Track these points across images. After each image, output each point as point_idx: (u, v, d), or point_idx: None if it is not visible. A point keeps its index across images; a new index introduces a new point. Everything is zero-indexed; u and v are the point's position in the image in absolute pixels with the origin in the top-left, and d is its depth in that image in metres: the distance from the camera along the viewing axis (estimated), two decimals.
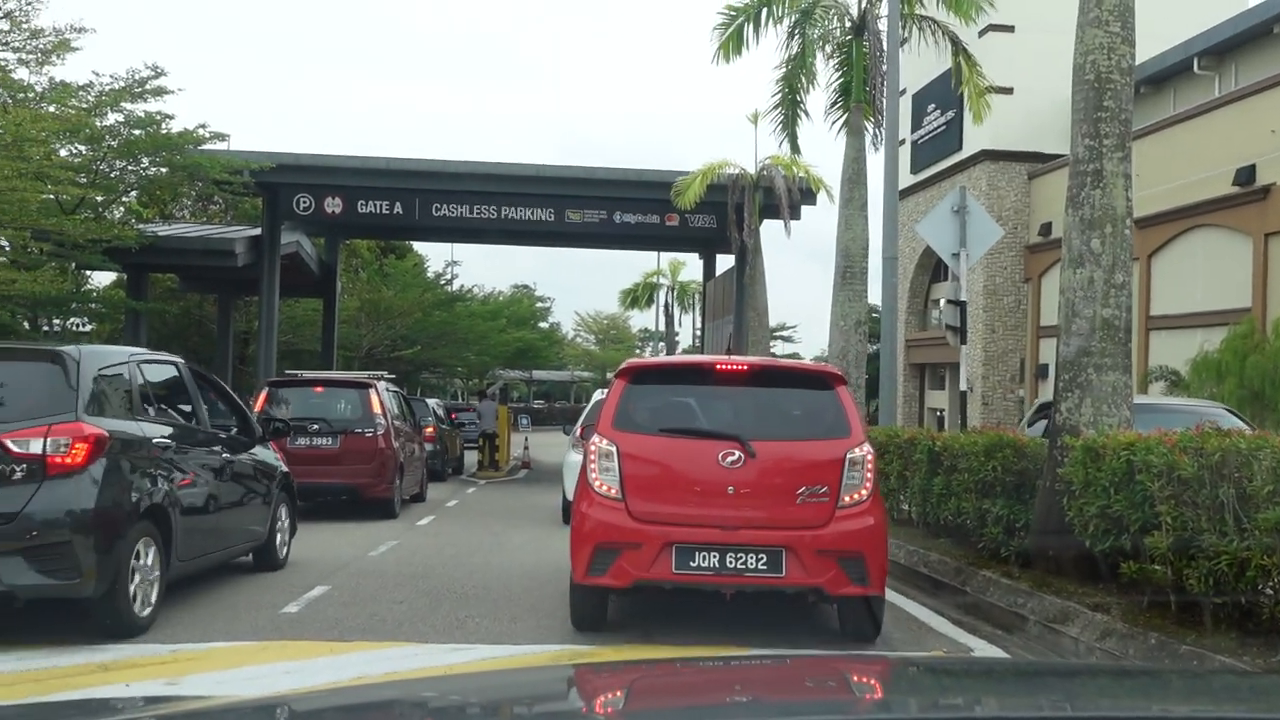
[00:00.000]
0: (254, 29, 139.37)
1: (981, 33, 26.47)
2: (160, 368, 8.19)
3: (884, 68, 14.45)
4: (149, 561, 7.03)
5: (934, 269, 34.69)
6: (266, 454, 9.52)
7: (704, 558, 6.57)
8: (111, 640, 6.71)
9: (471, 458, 26.75)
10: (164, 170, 20.76)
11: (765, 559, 6.56)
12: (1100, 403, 7.83)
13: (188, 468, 7.75)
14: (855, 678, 2.52)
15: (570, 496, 11.78)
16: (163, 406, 7.94)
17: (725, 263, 28.45)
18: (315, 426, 14.13)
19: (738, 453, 6.69)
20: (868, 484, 6.83)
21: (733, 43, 15.65)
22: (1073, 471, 7.26)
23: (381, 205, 23.05)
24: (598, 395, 15.81)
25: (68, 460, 6.47)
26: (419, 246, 49.40)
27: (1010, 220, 30.15)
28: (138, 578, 6.89)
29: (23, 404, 6.68)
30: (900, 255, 37.13)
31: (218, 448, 8.48)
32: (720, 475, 6.68)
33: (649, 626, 7.52)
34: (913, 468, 10.57)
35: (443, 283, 46.85)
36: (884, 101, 14.72)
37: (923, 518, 10.48)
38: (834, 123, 16.74)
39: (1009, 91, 29.00)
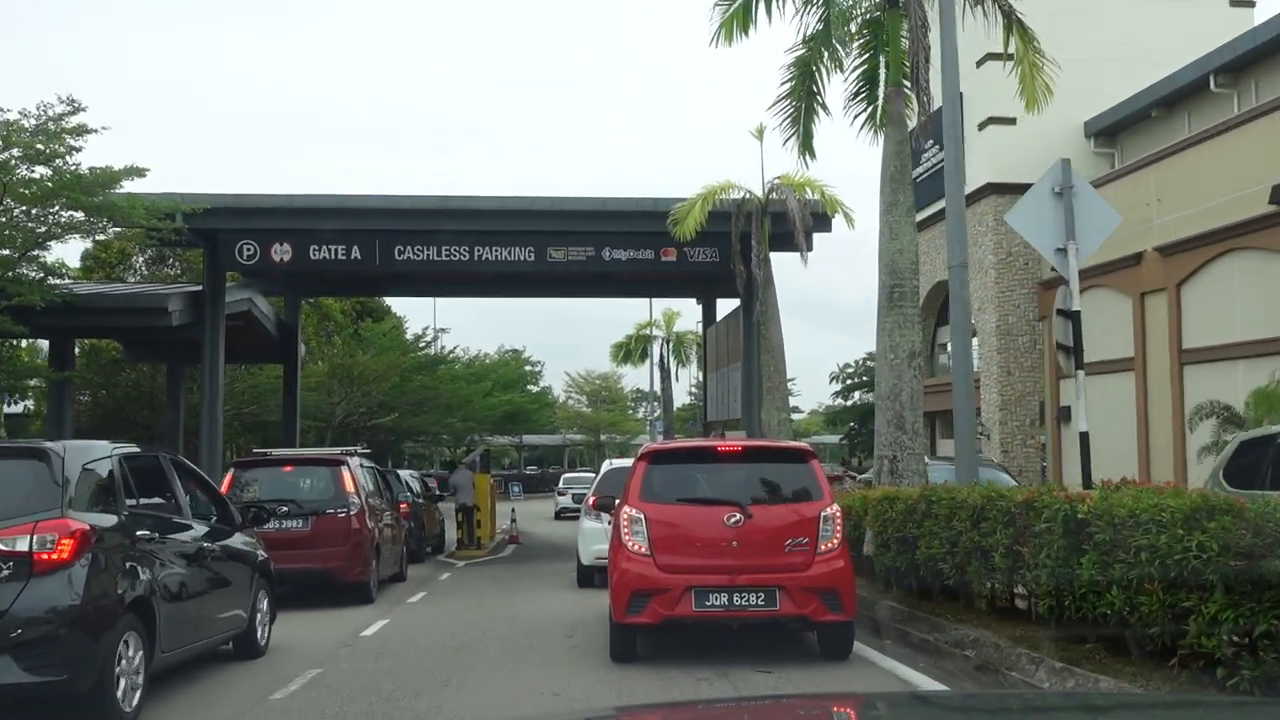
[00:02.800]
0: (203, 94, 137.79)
1: (980, 62, 24.75)
2: (142, 460, 8.40)
3: (928, 38, 11.67)
4: (134, 655, 7.13)
5: (939, 311, 32.61)
6: (246, 540, 9.71)
7: (716, 597, 8.30)
8: None
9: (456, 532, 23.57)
10: (79, 216, 17.81)
11: (763, 596, 8.30)
12: None
13: (170, 559, 7.94)
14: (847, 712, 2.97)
15: (585, 561, 14.43)
16: (145, 499, 8.11)
17: (726, 307, 25.67)
18: (285, 508, 13.36)
19: (738, 515, 8.47)
20: (838, 535, 8.66)
21: (738, 20, 12.89)
22: None
23: (337, 250, 20.11)
24: (606, 466, 16.61)
25: (54, 556, 6.60)
26: (398, 308, 46.83)
27: (1021, 256, 28.23)
28: (124, 672, 6.98)
29: (8, 502, 6.83)
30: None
31: (199, 537, 8.65)
32: (726, 533, 8.43)
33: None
34: (1032, 541, 7.54)
35: (423, 345, 44.01)
36: (927, 80, 11.95)
37: (1057, 614, 7.39)
38: (855, 118, 14.03)
39: (1012, 122, 27.23)
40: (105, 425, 28.71)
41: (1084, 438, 8.51)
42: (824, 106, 13.97)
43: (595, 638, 10.19)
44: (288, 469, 14.84)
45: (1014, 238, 28.72)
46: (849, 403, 54.40)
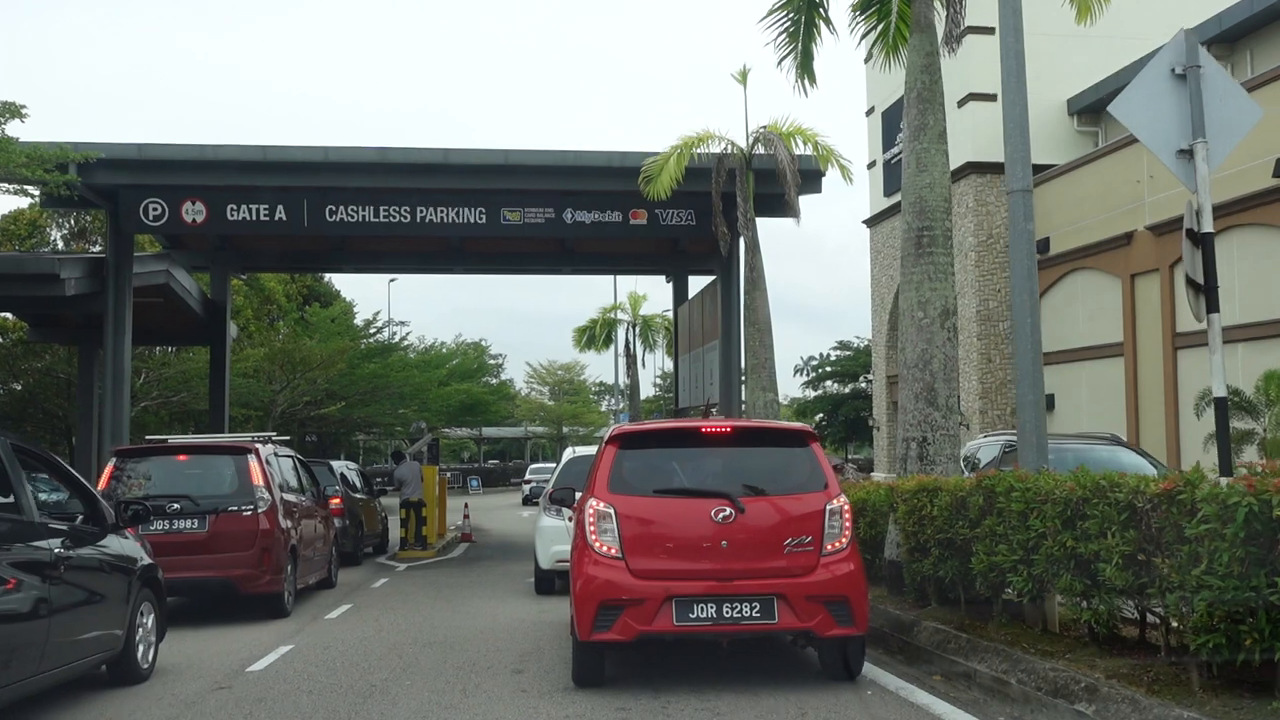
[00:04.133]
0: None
1: (960, 35, 23.43)
2: None
3: None
4: None
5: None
6: (123, 544, 8.20)
7: (702, 609, 6.93)
8: None
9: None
10: None
11: (758, 607, 6.95)
12: None
13: (2, 571, 6.44)
14: None
15: (544, 565, 12.71)
16: None
17: (699, 285, 23.39)
18: (177, 505, 11.50)
19: (728, 509, 7.10)
20: (847, 532, 7.24)
21: None
22: None
23: (259, 210, 17.53)
24: (568, 455, 14.55)
25: None
26: (348, 292, 44.26)
27: (1002, 238, 26.61)
28: None
29: None
30: (876, 284, 33.07)
31: (51, 542, 7.13)
32: (713, 531, 7.06)
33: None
34: (1179, 550, 5.26)
35: (373, 331, 41.32)
36: None
37: (1224, 654, 5.08)
38: (860, 37, 11.76)
39: (993, 98, 25.56)
40: (13, 415, 25.95)
41: (1220, 406, 6.22)
42: (827, 20, 11.64)
43: (554, 668, 7.89)
44: (182, 458, 12.51)
45: (994, 219, 27.02)
46: (817, 392, 52.74)
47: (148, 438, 14.92)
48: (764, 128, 17.08)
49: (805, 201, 17.91)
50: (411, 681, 7.55)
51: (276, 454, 13.12)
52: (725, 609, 6.85)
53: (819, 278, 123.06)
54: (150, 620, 8.31)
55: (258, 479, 11.89)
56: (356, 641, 9.52)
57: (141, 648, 8.09)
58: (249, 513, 11.63)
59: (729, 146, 17.31)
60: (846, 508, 7.29)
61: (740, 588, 6.88)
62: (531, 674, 7.75)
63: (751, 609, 6.86)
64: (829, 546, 7.09)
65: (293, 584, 12.26)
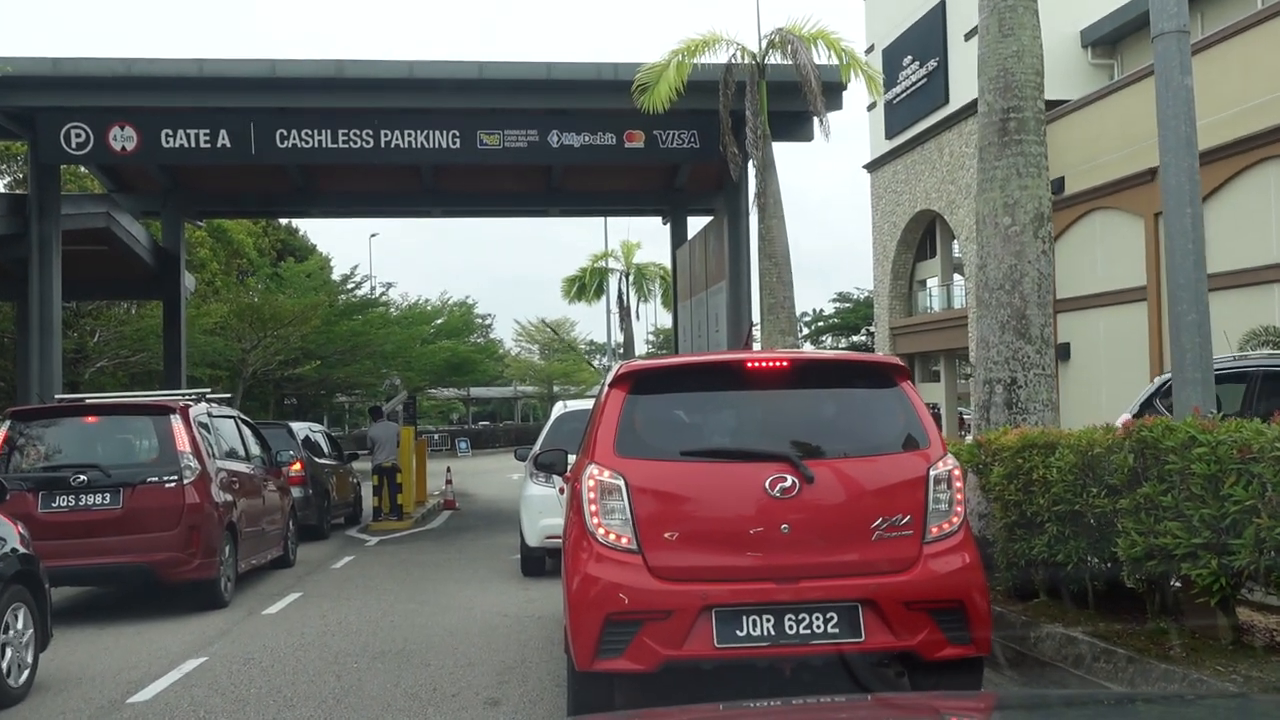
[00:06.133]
0: None
1: None
2: None
3: None
4: None
5: (919, 245, 29.07)
6: None
7: (755, 623, 4.87)
8: None
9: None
10: None
11: (836, 619, 4.88)
12: None
13: None
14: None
15: (531, 542, 10.81)
16: None
17: (698, 228, 21.20)
18: (84, 478, 9.71)
19: (790, 478, 5.00)
20: (959, 508, 5.17)
21: None
22: None
23: (198, 136, 15.22)
24: (559, 410, 12.16)
25: None
26: (324, 246, 41.93)
27: None
28: None
29: None
30: (879, 232, 31.09)
31: None
32: (770, 510, 4.98)
33: None
34: None
35: (350, 286, 39.09)
36: None
37: None
38: None
39: None
40: None
41: None
42: None
43: (542, 694, 5.84)
44: (91, 421, 10.59)
45: None
46: (814, 347, 51.04)
47: (58, 397, 12.85)
48: (780, 29, 14.78)
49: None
50: None
51: (212, 415, 11.14)
52: (788, 623, 4.80)
53: (803, 233, 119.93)
54: (22, 625, 6.70)
55: (183, 444, 10.00)
56: (289, 651, 7.42)
57: (11, 662, 6.50)
58: (173, 484, 9.80)
59: (738, 53, 15.01)
60: (957, 472, 5.17)
61: (810, 591, 4.84)
62: (512, 705, 5.66)
63: (827, 622, 4.80)
64: (934, 529, 5.01)
65: (232, 568, 10.40)
